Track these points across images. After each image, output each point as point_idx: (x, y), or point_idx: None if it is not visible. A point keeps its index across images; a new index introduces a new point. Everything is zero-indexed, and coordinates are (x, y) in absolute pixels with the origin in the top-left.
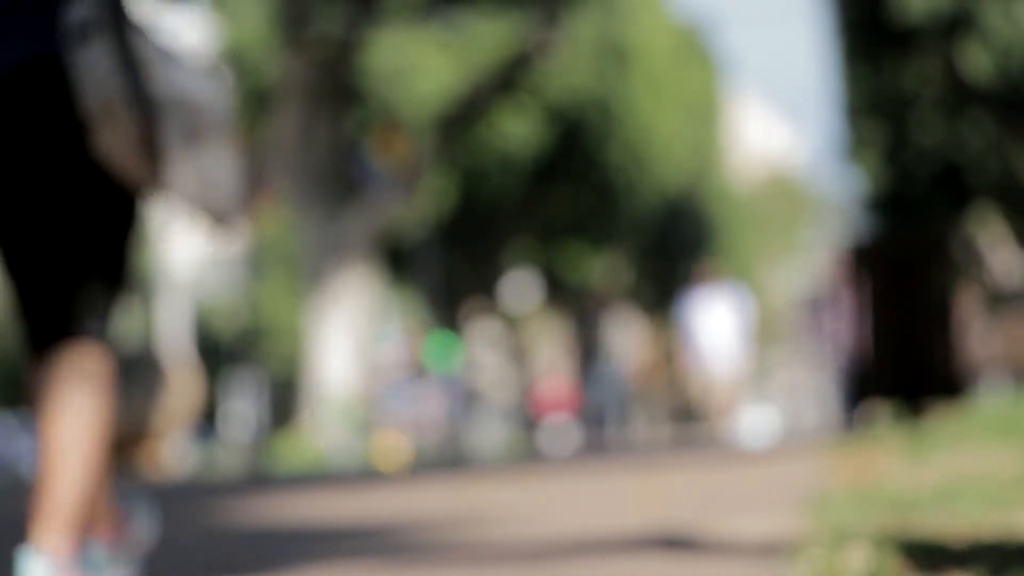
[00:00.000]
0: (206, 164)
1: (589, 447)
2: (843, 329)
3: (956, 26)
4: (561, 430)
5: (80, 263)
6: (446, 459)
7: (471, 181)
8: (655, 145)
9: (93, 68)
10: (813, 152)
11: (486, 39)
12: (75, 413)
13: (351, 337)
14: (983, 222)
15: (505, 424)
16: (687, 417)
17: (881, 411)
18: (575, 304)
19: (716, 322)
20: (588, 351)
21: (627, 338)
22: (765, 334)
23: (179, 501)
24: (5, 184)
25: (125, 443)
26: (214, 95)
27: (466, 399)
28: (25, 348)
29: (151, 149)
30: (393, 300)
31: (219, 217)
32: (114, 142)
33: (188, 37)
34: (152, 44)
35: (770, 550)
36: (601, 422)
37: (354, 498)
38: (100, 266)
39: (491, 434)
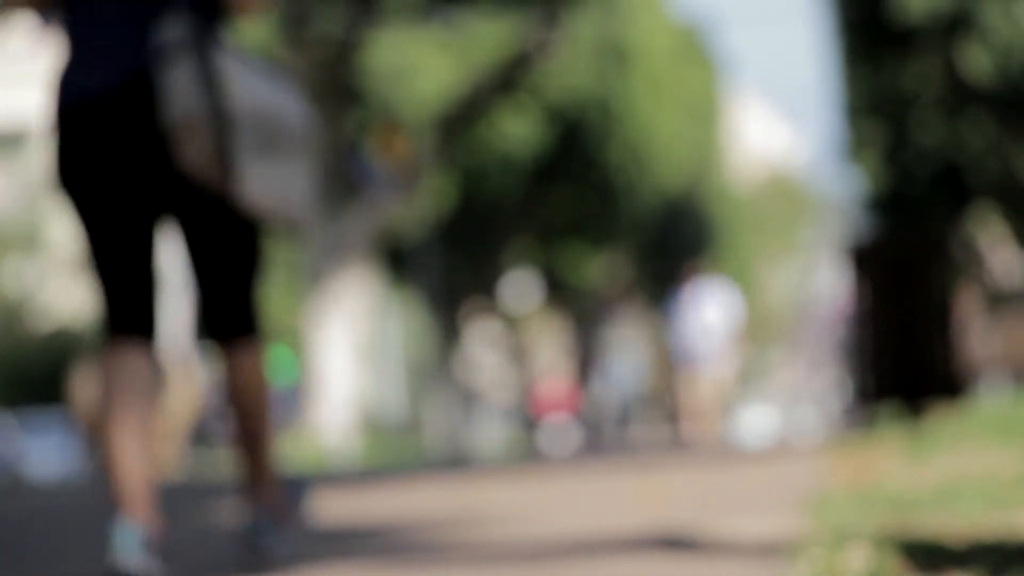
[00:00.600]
0: (280, 174)
1: (589, 447)
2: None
3: (956, 26)
4: (561, 430)
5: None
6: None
7: (471, 181)
8: (655, 145)
9: (177, 86)
10: (813, 152)
11: (486, 39)
12: (259, 392)
13: (351, 337)
14: (983, 222)
15: (505, 424)
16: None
17: (881, 411)
18: (575, 304)
19: (704, 321)
20: (588, 351)
21: (629, 338)
22: (765, 334)
23: (179, 501)
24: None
25: None
26: (292, 108)
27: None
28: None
29: (226, 162)
30: (393, 300)
31: (291, 220)
32: (194, 155)
33: None
34: (235, 61)
35: (770, 550)
36: (612, 420)
37: (354, 498)
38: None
39: (491, 434)
